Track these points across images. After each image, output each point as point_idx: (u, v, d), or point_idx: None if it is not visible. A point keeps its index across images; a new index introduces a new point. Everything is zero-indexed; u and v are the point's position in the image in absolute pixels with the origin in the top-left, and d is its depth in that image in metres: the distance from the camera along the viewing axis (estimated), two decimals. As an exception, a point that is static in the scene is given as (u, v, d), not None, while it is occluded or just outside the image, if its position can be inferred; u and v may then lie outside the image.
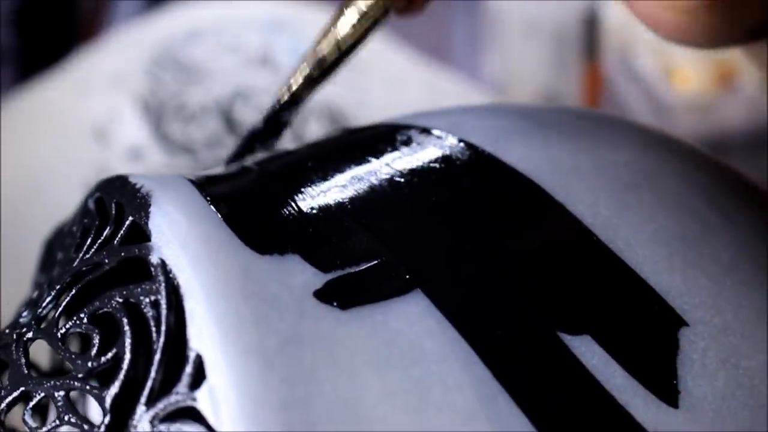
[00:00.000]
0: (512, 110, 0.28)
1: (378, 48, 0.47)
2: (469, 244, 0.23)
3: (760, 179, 0.30)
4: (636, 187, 0.25)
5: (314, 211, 0.23)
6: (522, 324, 0.22)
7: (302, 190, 0.24)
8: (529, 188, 0.24)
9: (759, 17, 0.24)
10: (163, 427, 0.20)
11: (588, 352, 0.22)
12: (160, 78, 0.46)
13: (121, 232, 0.23)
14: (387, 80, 0.48)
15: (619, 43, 0.62)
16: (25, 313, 0.24)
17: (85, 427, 0.21)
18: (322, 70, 0.25)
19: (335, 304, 0.21)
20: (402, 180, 0.24)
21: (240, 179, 0.25)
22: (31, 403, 0.22)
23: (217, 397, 0.20)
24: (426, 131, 0.26)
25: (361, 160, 0.25)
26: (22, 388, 0.22)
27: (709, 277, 0.24)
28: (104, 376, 0.21)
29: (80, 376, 0.21)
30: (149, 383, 0.20)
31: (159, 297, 0.21)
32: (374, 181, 0.24)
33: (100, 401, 0.21)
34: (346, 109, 0.45)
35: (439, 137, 0.25)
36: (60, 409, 0.21)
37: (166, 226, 0.22)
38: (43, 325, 0.23)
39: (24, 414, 0.22)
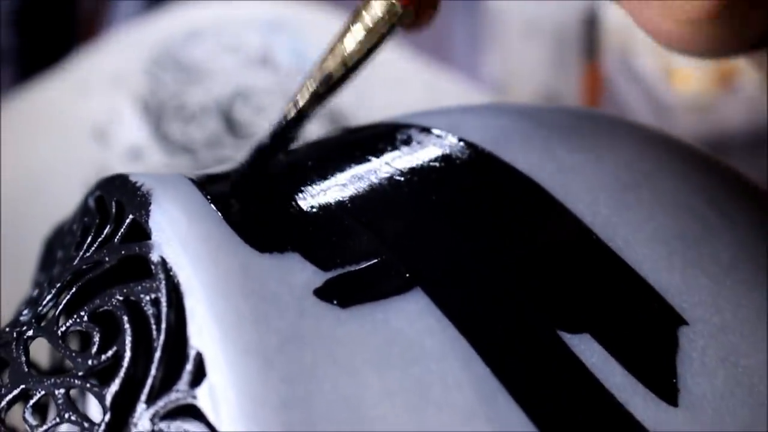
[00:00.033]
0: (512, 110, 0.28)
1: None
2: (469, 243, 0.23)
3: (760, 179, 0.30)
4: (635, 186, 0.25)
5: (314, 210, 0.23)
6: (521, 322, 0.22)
7: (302, 188, 0.24)
8: (528, 187, 0.24)
9: (761, 28, 0.24)
10: (163, 424, 0.20)
11: (587, 350, 0.22)
12: (160, 78, 0.46)
13: (122, 230, 0.23)
14: (387, 80, 0.48)
15: (619, 43, 0.62)
16: (25, 312, 0.24)
17: (86, 425, 0.21)
18: (329, 86, 0.25)
19: (335, 302, 0.21)
20: (402, 179, 0.24)
21: (240, 178, 0.25)
22: (32, 402, 0.22)
23: (217, 396, 0.20)
24: (426, 130, 0.26)
25: (361, 159, 0.25)
26: (23, 386, 0.22)
27: (709, 276, 0.24)
28: (104, 374, 0.21)
29: (80, 374, 0.21)
30: (149, 381, 0.20)
31: (159, 295, 0.21)
32: (374, 180, 0.24)
33: (101, 399, 0.21)
34: (346, 109, 0.45)
35: (439, 136, 0.25)
36: (60, 407, 0.21)
37: (167, 224, 0.22)
38: (43, 324, 0.23)
39: (24, 412, 0.22)
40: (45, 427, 0.22)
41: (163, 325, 0.21)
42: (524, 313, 0.22)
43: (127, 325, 0.21)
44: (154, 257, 0.22)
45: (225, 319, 0.20)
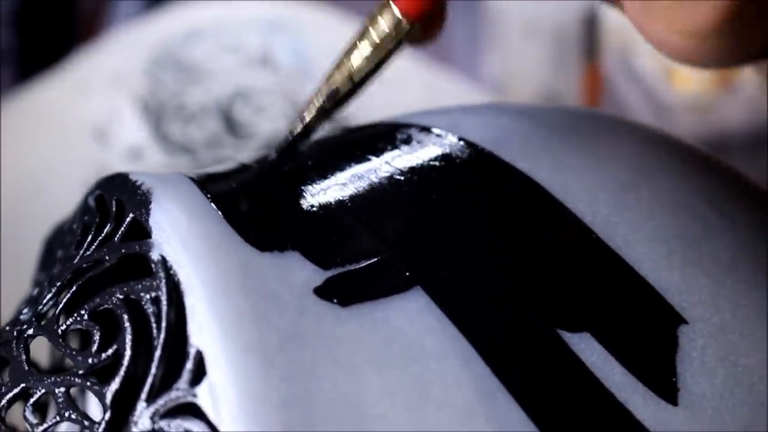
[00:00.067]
0: (512, 110, 0.28)
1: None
2: (469, 242, 0.23)
3: (760, 179, 0.30)
4: (635, 186, 0.25)
5: (314, 209, 0.23)
6: (521, 321, 0.22)
7: (302, 187, 0.24)
8: (528, 186, 0.24)
9: (765, 39, 0.24)
10: (163, 423, 0.20)
11: (587, 349, 0.22)
12: (159, 78, 0.46)
13: (122, 229, 0.23)
14: (387, 80, 0.47)
15: (619, 43, 0.62)
16: (25, 310, 0.24)
17: (86, 423, 0.21)
18: (335, 101, 0.25)
19: (335, 301, 0.21)
20: (402, 178, 0.24)
21: (240, 177, 0.25)
22: (32, 400, 0.22)
23: (217, 394, 0.20)
24: (426, 130, 0.26)
25: (361, 158, 0.25)
26: (23, 385, 0.22)
27: (709, 275, 0.24)
28: (105, 372, 0.21)
29: (81, 372, 0.21)
30: (150, 379, 0.20)
31: (159, 293, 0.21)
32: (374, 179, 0.24)
33: (101, 397, 0.21)
34: (346, 109, 0.45)
35: (439, 135, 0.25)
36: (60, 406, 0.21)
37: (167, 223, 0.22)
38: (43, 322, 0.23)
39: (24, 411, 0.22)
40: (45, 425, 0.22)
41: (164, 324, 0.21)
42: (524, 312, 0.22)
43: (127, 324, 0.21)
44: (155, 256, 0.22)
45: (225, 318, 0.20)
